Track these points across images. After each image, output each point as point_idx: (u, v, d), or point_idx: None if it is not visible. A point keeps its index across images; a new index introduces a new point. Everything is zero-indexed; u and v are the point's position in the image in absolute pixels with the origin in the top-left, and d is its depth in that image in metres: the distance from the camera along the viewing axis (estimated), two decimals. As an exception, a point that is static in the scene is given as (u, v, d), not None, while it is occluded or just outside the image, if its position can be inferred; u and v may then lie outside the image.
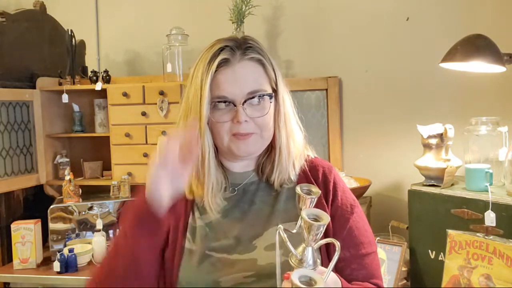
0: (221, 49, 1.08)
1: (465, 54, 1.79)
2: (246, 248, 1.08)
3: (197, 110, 1.09)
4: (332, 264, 0.87)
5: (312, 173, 1.18)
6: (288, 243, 0.89)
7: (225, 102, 1.07)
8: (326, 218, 0.87)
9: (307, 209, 0.89)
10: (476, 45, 1.78)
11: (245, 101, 1.07)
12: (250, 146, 1.10)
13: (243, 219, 1.13)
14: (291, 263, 0.88)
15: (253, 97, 1.07)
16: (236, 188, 1.16)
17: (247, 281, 1.04)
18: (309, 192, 0.94)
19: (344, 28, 2.66)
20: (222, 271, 1.05)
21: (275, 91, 1.13)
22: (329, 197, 1.14)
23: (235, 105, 1.07)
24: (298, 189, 0.94)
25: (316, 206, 1.03)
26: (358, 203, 1.18)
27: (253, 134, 1.09)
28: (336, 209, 1.13)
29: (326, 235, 1.01)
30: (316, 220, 0.87)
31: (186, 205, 1.13)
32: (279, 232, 0.91)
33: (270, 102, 1.10)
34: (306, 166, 1.18)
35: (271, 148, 1.16)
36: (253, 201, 1.15)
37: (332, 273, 0.91)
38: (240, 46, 1.09)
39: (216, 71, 1.07)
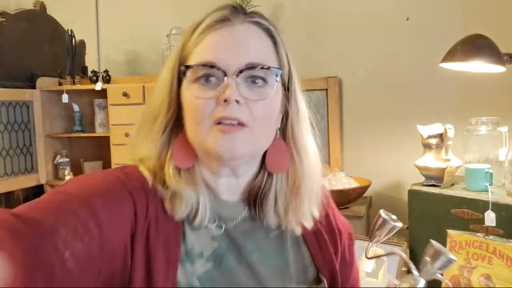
0: (218, 8, 0.79)
1: (465, 54, 1.79)
2: None
3: (167, 79, 0.79)
4: None
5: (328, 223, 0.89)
6: (410, 263, 0.81)
7: (211, 67, 0.74)
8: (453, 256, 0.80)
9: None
10: (476, 45, 1.78)
11: (241, 71, 0.74)
12: (236, 143, 0.74)
13: (240, 272, 0.79)
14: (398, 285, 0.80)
15: (253, 68, 0.75)
16: (223, 225, 0.80)
17: None
18: (393, 220, 0.84)
19: (344, 28, 2.65)
20: None
21: (287, 88, 0.83)
22: (336, 236, 0.91)
23: (225, 75, 0.74)
24: (382, 213, 0.83)
25: (323, 253, 0.87)
26: (351, 226, 0.98)
27: (244, 126, 0.74)
28: (344, 248, 0.93)
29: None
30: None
31: (169, 245, 0.74)
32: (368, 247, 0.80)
33: (276, 81, 0.77)
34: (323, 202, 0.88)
35: (266, 171, 0.82)
36: (248, 246, 0.81)
37: None
38: (245, 10, 0.80)
39: (207, 31, 0.77)
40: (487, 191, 1.76)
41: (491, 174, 1.82)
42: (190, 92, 0.76)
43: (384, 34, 2.58)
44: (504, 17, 2.33)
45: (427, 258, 0.81)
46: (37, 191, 2.76)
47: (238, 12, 0.78)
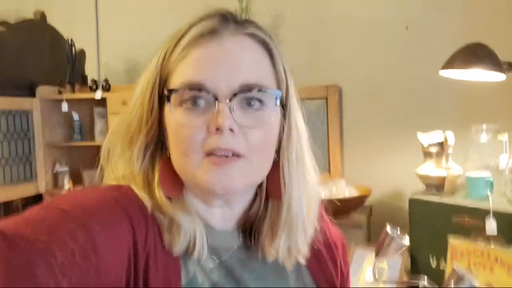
0: (204, 17, 0.68)
1: (465, 62, 1.79)
2: None
3: (144, 98, 0.68)
4: None
5: (326, 247, 0.81)
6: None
7: (199, 90, 0.63)
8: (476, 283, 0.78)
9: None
10: (476, 53, 1.79)
11: (235, 95, 0.64)
12: (233, 177, 0.64)
13: None
14: None
15: (249, 90, 0.64)
16: (216, 258, 0.71)
17: None
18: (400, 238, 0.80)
19: (344, 37, 2.66)
20: None
21: (284, 104, 0.72)
22: (337, 263, 0.84)
23: (216, 99, 0.63)
24: (389, 230, 0.80)
25: (329, 283, 0.81)
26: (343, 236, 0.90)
27: (238, 158, 0.64)
28: (340, 272, 0.85)
29: None
30: None
31: (167, 280, 0.65)
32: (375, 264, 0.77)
33: (276, 105, 0.67)
34: (322, 244, 0.79)
35: (262, 198, 0.75)
36: (246, 277, 0.72)
37: None
38: (236, 18, 0.69)
39: (193, 45, 0.66)
40: (488, 199, 1.76)
41: (492, 182, 1.82)
42: (175, 119, 0.65)
43: (384, 42, 2.58)
44: (503, 26, 2.34)
45: (451, 282, 0.77)
46: (37, 200, 2.75)
47: (228, 21, 0.67)
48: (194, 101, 0.64)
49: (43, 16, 2.90)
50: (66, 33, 2.90)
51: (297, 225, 0.72)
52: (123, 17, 3.08)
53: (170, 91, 0.65)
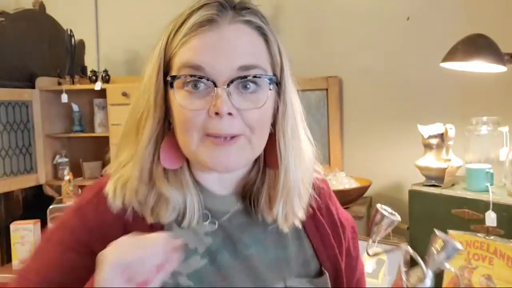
0: (203, 4, 0.71)
1: (466, 53, 1.79)
2: None
3: (150, 84, 0.73)
4: None
5: (314, 200, 0.86)
6: (419, 259, 0.79)
7: (200, 78, 0.69)
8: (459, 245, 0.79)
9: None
10: (477, 45, 1.78)
11: (232, 81, 0.69)
12: (232, 157, 0.71)
13: (236, 267, 0.77)
14: (406, 282, 0.79)
15: (245, 77, 0.69)
16: (216, 221, 0.78)
17: None
18: (391, 214, 0.82)
19: (345, 28, 2.65)
20: None
21: (279, 83, 0.76)
22: (339, 230, 0.89)
23: (215, 86, 0.68)
24: (379, 207, 0.82)
25: (326, 246, 0.86)
26: (353, 220, 0.97)
27: (238, 137, 0.70)
28: (348, 243, 0.91)
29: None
30: None
31: None
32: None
33: (270, 89, 0.72)
34: (315, 195, 0.85)
35: (260, 166, 0.80)
36: (246, 240, 0.79)
37: None
38: (233, 5, 0.73)
39: (192, 33, 0.70)
40: (488, 191, 1.76)
41: (492, 174, 1.82)
42: (178, 101, 0.70)
43: (385, 33, 2.57)
44: (504, 17, 2.33)
45: (433, 249, 0.80)
46: (37, 191, 2.75)
47: (226, 9, 0.71)
48: (194, 84, 0.70)
49: (42, 6, 2.89)
50: (65, 24, 2.88)
51: (293, 192, 0.78)
52: (123, 8, 3.06)
53: (173, 77, 0.71)
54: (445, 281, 1.72)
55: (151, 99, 0.73)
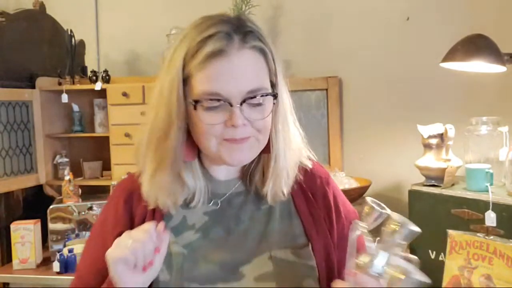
0: (213, 34, 0.86)
1: (466, 54, 1.79)
2: (232, 275, 0.90)
3: (171, 101, 0.88)
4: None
5: (308, 184, 1.02)
6: (371, 243, 0.80)
7: (218, 100, 0.85)
8: (417, 228, 0.79)
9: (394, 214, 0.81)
10: (477, 45, 1.78)
11: (244, 101, 0.86)
12: (245, 153, 0.90)
13: (227, 240, 0.94)
14: (359, 263, 0.79)
15: (254, 97, 0.86)
16: (219, 201, 0.98)
17: None
18: (380, 207, 0.83)
19: (344, 28, 2.65)
20: None
21: (273, 85, 0.92)
22: (332, 214, 1.01)
23: (230, 105, 0.85)
24: (369, 200, 0.85)
25: (317, 225, 0.97)
26: (357, 214, 1.04)
27: (248, 138, 0.89)
28: (342, 228, 1.01)
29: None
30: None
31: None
32: (354, 226, 0.82)
33: (274, 103, 0.90)
34: (301, 176, 1.00)
35: (260, 153, 0.96)
36: (240, 217, 0.97)
37: None
38: (238, 30, 0.87)
39: (207, 62, 0.85)
40: (488, 191, 1.76)
41: (492, 174, 1.82)
42: (201, 118, 0.87)
43: (385, 34, 2.58)
44: (504, 17, 2.33)
45: (386, 230, 0.79)
46: (37, 191, 2.75)
47: (232, 38, 0.85)
48: (213, 104, 0.86)
49: (42, 6, 2.89)
50: (65, 24, 2.88)
51: (281, 174, 0.95)
52: (123, 8, 3.06)
53: (196, 101, 0.87)
54: (445, 281, 1.73)
55: (173, 113, 0.88)
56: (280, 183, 0.95)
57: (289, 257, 0.93)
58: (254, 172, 0.98)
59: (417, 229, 0.80)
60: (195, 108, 0.87)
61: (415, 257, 0.81)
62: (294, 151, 0.98)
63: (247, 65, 0.86)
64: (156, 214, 0.94)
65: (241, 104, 0.85)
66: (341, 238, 0.98)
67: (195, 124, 0.89)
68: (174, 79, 0.87)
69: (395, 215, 0.82)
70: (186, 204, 0.96)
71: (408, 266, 0.74)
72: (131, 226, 0.92)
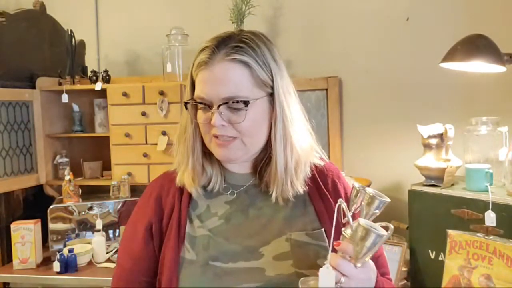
0: (202, 49, 1.02)
1: (465, 54, 1.79)
2: (252, 255, 1.01)
3: (189, 110, 1.07)
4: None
5: (321, 179, 1.12)
6: (348, 214, 0.89)
7: (200, 103, 1.02)
8: (386, 198, 0.91)
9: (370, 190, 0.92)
10: (476, 45, 1.78)
11: (220, 105, 0.99)
12: (230, 152, 1.02)
13: (248, 224, 1.06)
14: (344, 234, 0.90)
15: (226, 103, 0.98)
16: (235, 192, 1.10)
17: None
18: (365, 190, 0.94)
19: (344, 28, 2.65)
20: (227, 282, 0.98)
21: (271, 94, 1.03)
22: (340, 194, 1.11)
23: (210, 108, 1.00)
24: (356, 185, 0.94)
25: (329, 212, 1.06)
26: None
27: (234, 139, 1.01)
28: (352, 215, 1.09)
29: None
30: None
31: (179, 213, 1.07)
32: (339, 205, 0.91)
33: (246, 110, 0.99)
34: (315, 172, 1.12)
35: (269, 154, 1.07)
36: (257, 205, 1.09)
37: (371, 261, 0.93)
38: (225, 45, 1.01)
39: (198, 69, 1.02)
40: (487, 191, 1.76)
41: (491, 174, 1.82)
42: (196, 117, 1.04)
43: (384, 34, 2.58)
44: (504, 17, 2.33)
45: (363, 203, 0.92)
46: (37, 191, 2.75)
47: (216, 53, 0.99)
48: (202, 106, 1.02)
49: (42, 6, 2.89)
50: (66, 24, 2.89)
51: (284, 175, 1.04)
52: (123, 8, 3.07)
53: (186, 103, 1.05)
54: (445, 281, 1.73)
55: (189, 114, 1.06)
56: (286, 185, 1.05)
57: (304, 238, 1.04)
58: (264, 169, 1.08)
59: (386, 199, 0.92)
60: (186, 108, 1.05)
61: (390, 224, 0.91)
62: (303, 152, 1.07)
63: (226, 75, 0.99)
64: (182, 205, 1.08)
65: (218, 107, 0.98)
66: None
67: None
68: (188, 86, 1.06)
69: (369, 190, 0.92)
70: (205, 189, 1.10)
71: (374, 225, 0.87)
72: (161, 216, 1.08)
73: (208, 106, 1.00)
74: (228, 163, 1.09)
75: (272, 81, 1.03)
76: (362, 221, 0.87)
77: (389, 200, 0.91)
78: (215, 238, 1.04)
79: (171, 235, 1.05)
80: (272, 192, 1.06)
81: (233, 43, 1.00)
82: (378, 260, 1.09)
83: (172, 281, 1.00)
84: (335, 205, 1.03)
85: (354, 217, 0.91)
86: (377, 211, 0.91)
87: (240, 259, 1.00)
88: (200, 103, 1.02)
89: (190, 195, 1.09)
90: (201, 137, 1.07)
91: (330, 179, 1.13)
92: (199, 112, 1.03)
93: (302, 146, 1.07)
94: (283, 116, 1.03)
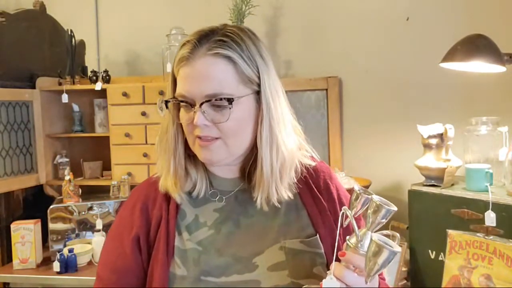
0: (185, 43, 0.95)
1: (465, 54, 1.79)
2: (246, 266, 0.95)
3: (169, 109, 1.00)
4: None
5: (313, 181, 1.06)
6: (354, 221, 0.85)
7: (182, 102, 0.95)
8: (394, 207, 0.86)
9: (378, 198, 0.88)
10: (476, 45, 1.78)
11: (202, 103, 0.92)
12: (212, 154, 0.95)
13: (239, 233, 1.00)
14: (349, 244, 0.85)
15: (209, 101, 0.91)
16: (224, 197, 1.03)
17: None
18: (366, 193, 0.89)
19: (344, 28, 2.65)
20: None
21: (257, 92, 0.96)
22: (336, 206, 1.05)
23: (192, 106, 0.93)
24: (356, 188, 0.90)
25: (323, 216, 1.02)
26: None
27: (216, 139, 0.94)
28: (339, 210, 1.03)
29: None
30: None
31: (167, 225, 1.00)
32: (343, 212, 0.87)
33: (230, 108, 0.92)
34: (307, 174, 1.05)
35: (255, 156, 1.00)
36: (248, 212, 1.02)
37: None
38: (207, 39, 0.94)
39: (178, 66, 0.95)
40: (487, 191, 1.76)
41: (491, 174, 1.82)
42: (179, 117, 0.97)
43: (384, 34, 2.58)
44: (504, 17, 2.33)
45: (369, 211, 0.86)
46: (37, 191, 2.76)
47: (197, 47, 0.93)
48: (184, 105, 0.96)
49: (42, 6, 2.89)
50: (66, 24, 2.89)
51: (269, 183, 0.97)
52: (123, 8, 3.07)
53: (167, 101, 0.99)
54: (445, 281, 1.73)
55: (170, 114, 1.00)
56: (271, 189, 0.98)
57: (299, 246, 0.98)
58: (251, 172, 1.01)
59: (394, 208, 0.86)
60: (166, 107, 0.99)
61: (396, 233, 0.89)
62: (289, 154, 0.99)
63: (208, 71, 0.92)
64: (170, 216, 1.00)
65: (201, 105, 0.92)
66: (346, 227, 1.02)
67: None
68: (170, 84, 1.00)
69: (375, 197, 0.87)
70: (191, 195, 1.03)
71: (387, 240, 0.81)
72: (148, 228, 1.01)
73: (190, 104, 0.93)
74: (211, 165, 1.02)
75: (259, 78, 0.96)
76: (375, 236, 0.81)
77: (396, 208, 0.86)
78: (206, 250, 0.97)
79: (159, 248, 0.97)
80: (256, 198, 0.99)
81: (216, 37, 0.93)
82: None
83: None
84: (328, 208, 1.03)
85: (357, 222, 0.87)
86: (384, 220, 0.86)
87: (234, 272, 0.95)
88: (182, 101, 0.95)
89: (177, 204, 1.02)
90: (184, 139, 1.00)
91: (322, 180, 1.07)
92: (182, 112, 0.96)
93: (288, 148, 0.99)
94: (269, 116, 0.96)
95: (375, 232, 0.86)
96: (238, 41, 0.94)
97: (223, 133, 0.93)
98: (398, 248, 0.80)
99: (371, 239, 0.81)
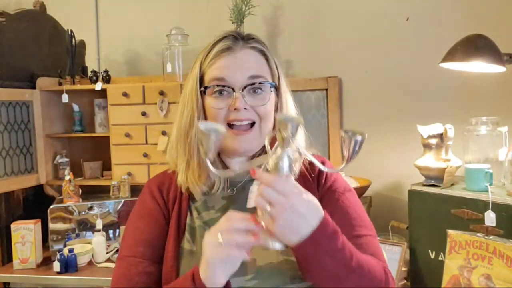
0: (222, 38, 1.07)
1: (465, 54, 1.79)
2: None
3: (192, 96, 1.07)
4: None
5: (309, 172, 1.13)
6: (268, 147, 0.91)
7: (223, 86, 1.03)
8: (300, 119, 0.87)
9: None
10: (476, 45, 1.78)
11: (245, 87, 1.03)
12: (251, 142, 1.05)
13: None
14: (267, 167, 0.88)
15: (253, 83, 1.03)
16: (235, 188, 1.12)
17: (249, 285, 0.99)
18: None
19: (344, 28, 2.65)
20: None
21: (277, 88, 1.10)
22: (321, 181, 1.12)
23: (234, 90, 1.03)
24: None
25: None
26: (354, 191, 1.15)
27: (252, 127, 1.04)
28: (326, 191, 1.11)
29: None
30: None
31: (180, 205, 1.10)
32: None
33: (271, 91, 1.06)
34: (304, 168, 1.12)
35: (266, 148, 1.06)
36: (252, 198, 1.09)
37: (316, 201, 0.91)
38: (240, 36, 1.08)
39: (217, 57, 1.05)
40: (487, 191, 1.76)
41: (491, 174, 1.82)
42: (209, 103, 1.05)
43: (384, 34, 2.58)
44: (504, 17, 2.33)
45: (282, 130, 0.86)
46: (37, 191, 2.76)
47: (238, 40, 1.06)
48: (220, 92, 1.05)
49: (43, 6, 2.89)
50: (66, 24, 2.89)
51: None
52: (123, 8, 3.07)
53: (206, 87, 1.06)
54: (445, 281, 1.73)
55: (194, 106, 1.06)
56: None
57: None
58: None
59: (300, 120, 0.87)
60: (204, 93, 1.05)
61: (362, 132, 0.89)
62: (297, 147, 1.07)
63: (250, 58, 1.05)
64: (183, 197, 1.10)
65: (242, 89, 1.02)
66: (322, 198, 1.09)
67: (207, 111, 1.06)
68: (194, 80, 1.07)
69: (280, 115, 0.89)
70: (207, 191, 1.10)
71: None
72: (166, 206, 1.11)
73: (230, 88, 1.02)
74: (240, 155, 1.09)
75: (279, 75, 1.10)
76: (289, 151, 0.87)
77: (302, 121, 0.88)
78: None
79: (172, 225, 1.07)
80: None
81: (250, 36, 1.08)
82: (360, 241, 1.04)
83: (172, 270, 1.02)
84: (319, 198, 1.06)
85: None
86: (294, 132, 0.87)
87: None
88: (222, 86, 1.03)
89: (190, 192, 1.10)
90: None
91: (316, 168, 1.12)
92: (214, 100, 1.04)
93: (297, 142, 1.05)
94: (285, 109, 1.10)
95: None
96: (262, 41, 1.10)
97: (261, 116, 1.04)
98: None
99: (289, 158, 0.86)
